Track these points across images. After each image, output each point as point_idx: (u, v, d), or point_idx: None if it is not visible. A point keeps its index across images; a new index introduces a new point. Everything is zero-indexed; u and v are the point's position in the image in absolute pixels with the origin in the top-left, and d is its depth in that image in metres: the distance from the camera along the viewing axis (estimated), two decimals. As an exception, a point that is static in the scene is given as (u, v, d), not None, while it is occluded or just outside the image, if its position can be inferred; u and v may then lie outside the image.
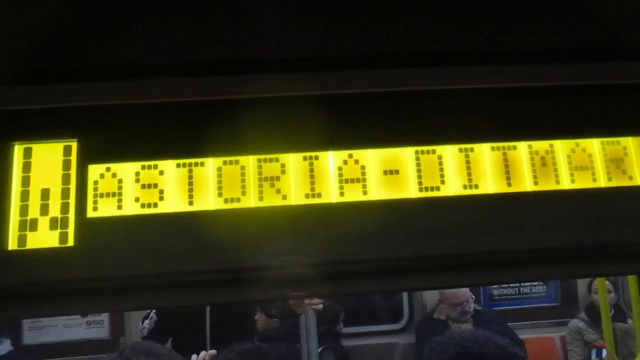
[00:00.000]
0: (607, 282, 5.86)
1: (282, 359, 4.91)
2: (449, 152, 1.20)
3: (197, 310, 4.86)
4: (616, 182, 1.22)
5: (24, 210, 1.10)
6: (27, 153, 1.13)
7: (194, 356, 3.41)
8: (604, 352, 4.98)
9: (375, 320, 6.78)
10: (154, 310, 4.77)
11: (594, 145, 1.23)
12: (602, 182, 1.22)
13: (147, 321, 4.82)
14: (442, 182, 1.18)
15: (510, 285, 6.85)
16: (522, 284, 6.87)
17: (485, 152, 1.21)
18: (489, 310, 6.01)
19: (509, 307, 6.78)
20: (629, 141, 1.25)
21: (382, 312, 6.91)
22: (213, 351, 3.38)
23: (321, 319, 5.57)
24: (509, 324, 5.73)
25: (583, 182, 1.21)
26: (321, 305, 4.31)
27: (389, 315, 6.86)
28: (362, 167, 1.18)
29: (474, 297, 5.76)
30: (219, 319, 4.91)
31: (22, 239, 1.09)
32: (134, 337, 5.60)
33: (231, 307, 4.75)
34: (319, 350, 5.38)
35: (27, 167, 1.13)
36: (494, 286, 6.83)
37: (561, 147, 1.22)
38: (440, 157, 1.19)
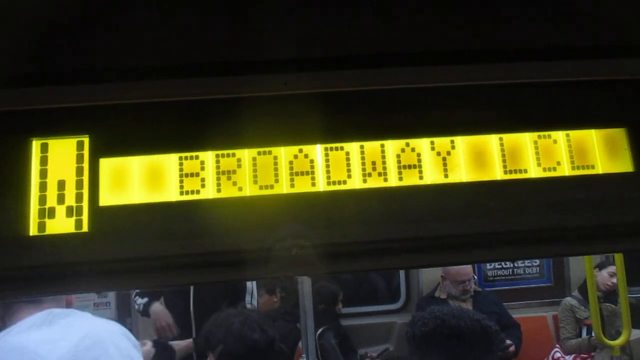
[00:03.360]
0: (613, 267, 5.99)
1: (283, 337, 5.08)
2: (426, 145, 1.31)
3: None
4: (580, 171, 1.34)
5: (42, 200, 1.22)
6: (44, 148, 1.25)
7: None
8: (594, 330, 5.11)
9: (374, 300, 6.94)
10: None
11: (560, 137, 1.35)
12: (567, 171, 1.33)
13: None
14: (420, 172, 1.30)
15: (504, 266, 7.00)
16: (516, 265, 7.01)
17: (459, 144, 1.32)
18: (487, 292, 6.15)
19: (503, 288, 6.92)
20: (592, 133, 1.36)
21: (380, 292, 7.07)
22: None
23: (320, 300, 5.74)
24: (503, 303, 5.88)
25: (549, 171, 1.33)
26: None
27: (387, 296, 7.03)
28: (348, 159, 1.29)
29: (475, 277, 5.89)
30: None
31: (41, 226, 1.21)
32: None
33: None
34: (320, 330, 5.56)
35: (44, 161, 1.24)
36: (489, 267, 6.97)
37: (529, 139, 1.34)
38: (413, 149, 1.31)
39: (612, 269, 5.83)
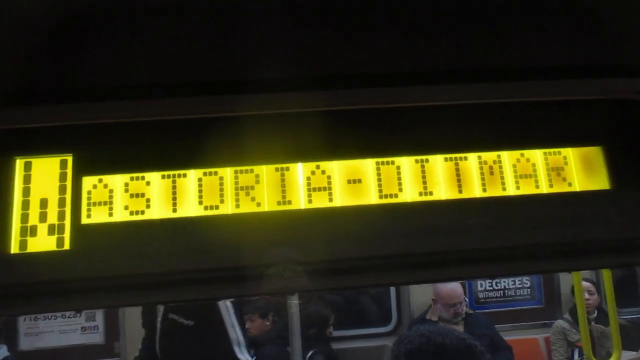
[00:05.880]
0: (589, 284, 6.03)
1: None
2: (406, 163, 1.33)
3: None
4: (557, 189, 1.36)
5: (24, 218, 1.23)
6: (27, 166, 1.26)
7: None
8: (586, 352, 5.09)
9: (365, 323, 6.89)
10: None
11: (537, 156, 1.37)
12: (544, 189, 1.36)
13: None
14: (400, 189, 1.32)
15: (495, 287, 6.99)
16: (508, 287, 7.00)
17: (439, 163, 1.34)
18: (479, 314, 6.12)
19: (494, 310, 6.90)
20: (569, 152, 1.39)
21: (371, 315, 7.03)
22: None
23: (311, 323, 5.69)
24: (494, 325, 5.86)
25: (527, 189, 1.35)
26: None
27: (379, 319, 6.98)
28: (329, 177, 1.31)
29: (467, 299, 5.87)
30: None
31: (23, 244, 1.21)
32: (127, 342, 5.69)
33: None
34: (310, 354, 5.51)
35: (27, 179, 1.25)
36: (480, 289, 6.96)
37: (507, 158, 1.36)
38: (398, 168, 1.33)
39: (585, 285, 5.84)
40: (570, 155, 1.38)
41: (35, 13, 1.20)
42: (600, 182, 1.37)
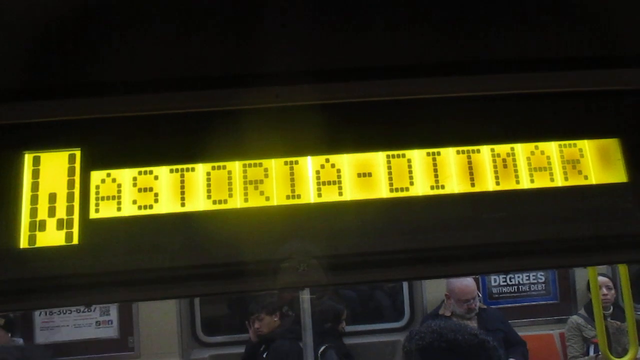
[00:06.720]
0: (606, 279, 5.94)
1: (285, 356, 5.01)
2: (418, 156, 1.31)
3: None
4: (572, 182, 1.33)
5: (33, 213, 1.23)
6: (36, 161, 1.26)
7: None
8: (602, 347, 5.02)
9: (378, 318, 6.87)
10: None
11: (552, 148, 1.34)
12: (560, 182, 1.33)
13: None
14: (411, 183, 1.30)
15: (510, 283, 6.92)
16: (522, 282, 6.93)
17: (450, 156, 1.32)
18: (493, 310, 6.05)
19: (508, 305, 6.83)
20: (584, 144, 1.35)
21: (384, 310, 7.00)
22: None
23: (324, 318, 5.68)
24: (509, 321, 5.80)
25: (541, 182, 1.32)
26: None
27: (391, 314, 6.95)
28: (338, 171, 1.29)
29: (480, 295, 5.81)
30: None
31: (32, 239, 1.21)
32: (142, 336, 5.73)
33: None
34: (322, 349, 5.50)
35: (36, 174, 1.25)
36: (494, 285, 6.89)
37: (521, 150, 1.33)
38: (409, 161, 1.31)
39: (603, 280, 5.75)
40: (586, 147, 1.35)
41: (41, 9, 1.20)
42: (617, 174, 1.34)
